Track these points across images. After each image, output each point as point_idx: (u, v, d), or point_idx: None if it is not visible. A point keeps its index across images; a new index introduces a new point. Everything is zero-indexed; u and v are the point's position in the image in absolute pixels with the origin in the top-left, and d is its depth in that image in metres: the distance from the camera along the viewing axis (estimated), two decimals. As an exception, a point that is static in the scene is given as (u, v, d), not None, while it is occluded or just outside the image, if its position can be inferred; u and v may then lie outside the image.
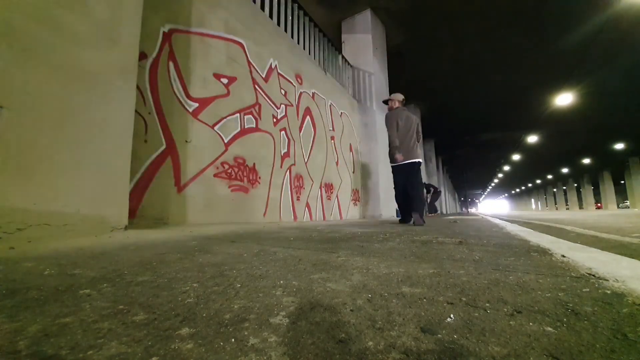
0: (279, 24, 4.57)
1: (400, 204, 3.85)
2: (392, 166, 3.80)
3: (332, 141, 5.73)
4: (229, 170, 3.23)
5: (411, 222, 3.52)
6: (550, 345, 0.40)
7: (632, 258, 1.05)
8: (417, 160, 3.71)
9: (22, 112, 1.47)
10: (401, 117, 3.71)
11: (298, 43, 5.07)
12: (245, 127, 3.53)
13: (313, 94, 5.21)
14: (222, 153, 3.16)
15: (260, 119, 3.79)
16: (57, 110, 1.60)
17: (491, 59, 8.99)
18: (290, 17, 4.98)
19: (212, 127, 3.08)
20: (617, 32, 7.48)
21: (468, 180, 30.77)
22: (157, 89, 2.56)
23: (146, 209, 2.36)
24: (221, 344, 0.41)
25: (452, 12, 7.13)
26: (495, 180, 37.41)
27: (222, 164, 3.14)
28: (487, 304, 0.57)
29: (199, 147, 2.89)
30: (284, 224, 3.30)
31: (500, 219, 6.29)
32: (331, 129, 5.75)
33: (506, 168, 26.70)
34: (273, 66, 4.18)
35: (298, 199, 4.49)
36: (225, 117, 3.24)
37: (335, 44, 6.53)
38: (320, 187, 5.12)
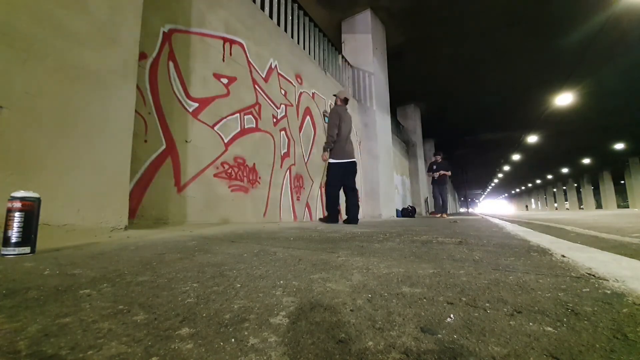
0: (279, 24, 4.56)
1: (336, 203, 3.74)
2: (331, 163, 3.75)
3: (332, 141, 5.72)
4: (229, 170, 3.23)
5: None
6: (550, 345, 0.40)
7: (632, 258, 1.05)
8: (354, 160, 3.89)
9: (22, 112, 1.47)
10: (344, 118, 3.79)
11: (298, 43, 5.07)
12: (245, 127, 3.53)
13: (313, 94, 5.21)
14: (222, 153, 3.16)
15: (260, 119, 3.78)
16: (57, 110, 1.60)
17: (491, 59, 8.98)
18: (290, 17, 4.97)
19: (212, 127, 3.08)
20: (617, 32, 7.47)
21: (468, 180, 30.75)
22: (157, 89, 2.56)
23: (146, 209, 2.36)
24: (221, 344, 0.41)
25: (452, 12, 7.13)
26: (495, 180, 37.40)
27: (222, 164, 3.14)
28: (487, 304, 0.57)
29: (199, 147, 2.89)
30: (284, 224, 3.30)
31: (500, 219, 6.29)
32: (331, 129, 5.74)
33: (506, 168, 26.67)
34: (273, 66, 4.18)
35: (298, 199, 4.49)
36: (225, 117, 3.24)
37: (335, 44, 6.52)
38: (320, 187, 5.12)
